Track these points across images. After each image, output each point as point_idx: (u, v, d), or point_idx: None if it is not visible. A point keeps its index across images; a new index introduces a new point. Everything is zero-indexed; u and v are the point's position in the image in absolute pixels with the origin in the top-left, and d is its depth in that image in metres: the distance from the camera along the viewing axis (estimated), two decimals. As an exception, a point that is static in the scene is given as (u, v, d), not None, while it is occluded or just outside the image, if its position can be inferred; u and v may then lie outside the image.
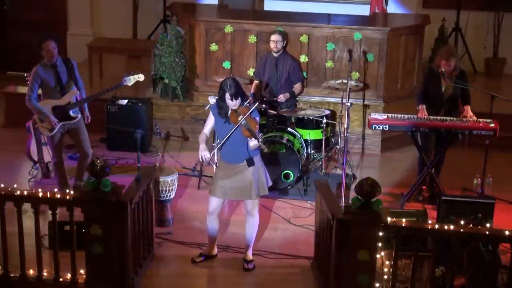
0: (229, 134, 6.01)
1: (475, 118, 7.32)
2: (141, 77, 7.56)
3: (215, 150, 6.13)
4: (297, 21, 9.17)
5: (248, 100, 6.08)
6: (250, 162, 6.12)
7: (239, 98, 6.00)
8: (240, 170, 6.14)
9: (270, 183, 6.38)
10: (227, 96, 5.97)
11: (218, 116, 6.13)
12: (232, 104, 6.00)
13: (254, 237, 6.43)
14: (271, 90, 8.50)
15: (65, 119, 7.21)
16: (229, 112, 6.04)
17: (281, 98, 8.33)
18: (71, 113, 7.21)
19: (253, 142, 5.93)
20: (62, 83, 7.15)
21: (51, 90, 7.14)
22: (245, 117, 5.96)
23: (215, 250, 6.55)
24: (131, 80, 7.49)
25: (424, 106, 7.38)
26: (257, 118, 6.08)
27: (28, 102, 7.07)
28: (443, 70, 7.34)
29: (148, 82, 9.50)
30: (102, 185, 5.56)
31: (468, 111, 7.41)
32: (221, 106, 6.07)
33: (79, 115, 7.30)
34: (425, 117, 7.30)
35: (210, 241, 6.51)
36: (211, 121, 6.21)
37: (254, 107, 6.04)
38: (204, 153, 6.11)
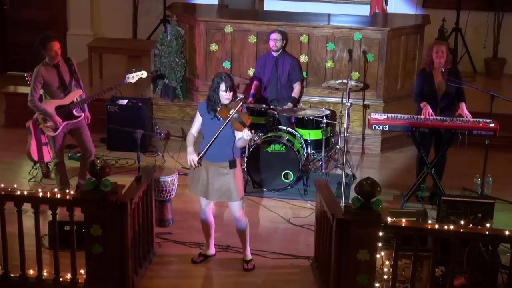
0: (221, 128, 5.91)
1: (469, 116, 7.32)
2: (144, 73, 7.52)
3: (205, 148, 6.00)
4: (297, 21, 9.17)
5: (239, 98, 6.03)
6: (232, 164, 6.06)
7: (233, 91, 5.96)
8: (221, 171, 6.07)
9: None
10: (222, 87, 5.90)
11: (206, 114, 6.05)
12: (225, 96, 5.94)
13: (248, 238, 6.39)
14: (271, 90, 8.51)
15: (68, 118, 7.20)
16: (219, 107, 5.97)
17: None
18: (74, 112, 7.21)
19: (245, 134, 5.81)
20: (65, 82, 7.14)
21: (54, 90, 7.12)
22: (236, 109, 5.88)
23: (213, 250, 6.55)
24: (134, 77, 7.46)
25: (426, 103, 7.38)
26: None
27: (32, 103, 7.05)
28: (443, 70, 7.35)
29: (148, 82, 9.50)
30: (102, 185, 5.56)
31: (463, 108, 7.41)
32: (213, 99, 5.97)
33: (82, 114, 7.30)
34: (430, 115, 7.28)
35: (207, 237, 6.49)
36: (198, 121, 6.14)
37: (239, 98, 5.96)
38: (192, 157, 6.03)
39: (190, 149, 6.09)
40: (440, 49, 7.32)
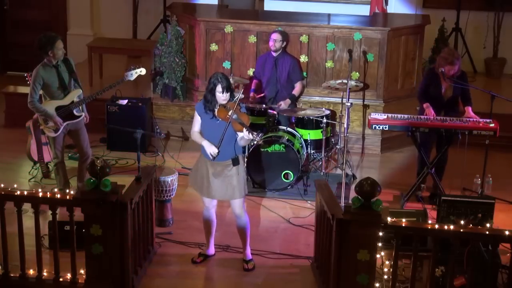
0: (224, 131, 5.91)
1: (478, 119, 7.31)
2: (143, 71, 7.51)
3: (219, 145, 6.02)
4: (297, 21, 9.17)
5: (237, 96, 6.02)
6: (235, 162, 6.08)
7: (229, 92, 5.95)
8: (224, 169, 6.08)
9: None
10: (219, 88, 5.89)
11: (204, 114, 6.05)
12: (222, 97, 5.92)
13: (248, 236, 6.40)
14: (271, 90, 8.51)
15: (68, 118, 7.19)
16: (216, 107, 5.97)
17: (282, 105, 8.31)
18: (75, 112, 7.20)
19: (246, 135, 5.82)
20: (64, 83, 7.13)
21: (54, 91, 7.11)
22: (234, 110, 5.86)
23: (213, 249, 6.55)
24: (133, 74, 7.45)
25: (429, 104, 7.38)
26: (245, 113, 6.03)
27: (32, 104, 7.03)
28: (443, 70, 7.33)
29: (148, 81, 9.50)
30: (102, 185, 5.56)
31: (470, 112, 7.41)
32: (209, 100, 5.96)
33: (83, 114, 7.30)
34: (433, 116, 7.28)
35: (207, 235, 6.48)
36: (197, 120, 6.14)
37: (238, 98, 5.93)
38: (212, 149, 5.99)
39: (205, 142, 6.05)
40: (454, 68, 7.30)
